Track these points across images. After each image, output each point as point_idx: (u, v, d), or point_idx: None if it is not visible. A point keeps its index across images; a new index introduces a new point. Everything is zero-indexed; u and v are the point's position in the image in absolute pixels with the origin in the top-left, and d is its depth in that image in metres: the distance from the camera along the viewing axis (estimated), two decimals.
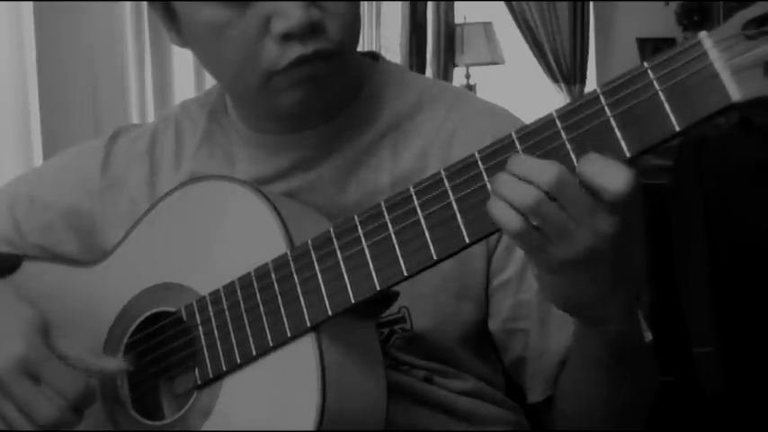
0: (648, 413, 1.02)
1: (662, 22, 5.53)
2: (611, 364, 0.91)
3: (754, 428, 1.64)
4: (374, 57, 1.14)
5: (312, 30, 0.95)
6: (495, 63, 5.43)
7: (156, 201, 1.08)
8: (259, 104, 1.05)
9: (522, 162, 0.77)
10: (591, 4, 5.62)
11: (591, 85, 5.64)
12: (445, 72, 5.34)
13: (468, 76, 5.43)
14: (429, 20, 5.25)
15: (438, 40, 5.31)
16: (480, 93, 5.32)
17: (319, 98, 1.00)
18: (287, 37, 0.95)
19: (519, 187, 0.77)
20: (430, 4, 5.25)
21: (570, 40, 5.54)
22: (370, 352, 0.95)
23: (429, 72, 5.21)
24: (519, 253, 1.04)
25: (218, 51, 1.00)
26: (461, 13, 5.51)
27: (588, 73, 5.62)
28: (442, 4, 5.35)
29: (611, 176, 0.74)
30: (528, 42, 5.53)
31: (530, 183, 0.76)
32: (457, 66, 5.45)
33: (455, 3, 5.48)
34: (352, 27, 1.01)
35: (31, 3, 2.39)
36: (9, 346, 0.95)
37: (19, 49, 2.38)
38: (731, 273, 1.67)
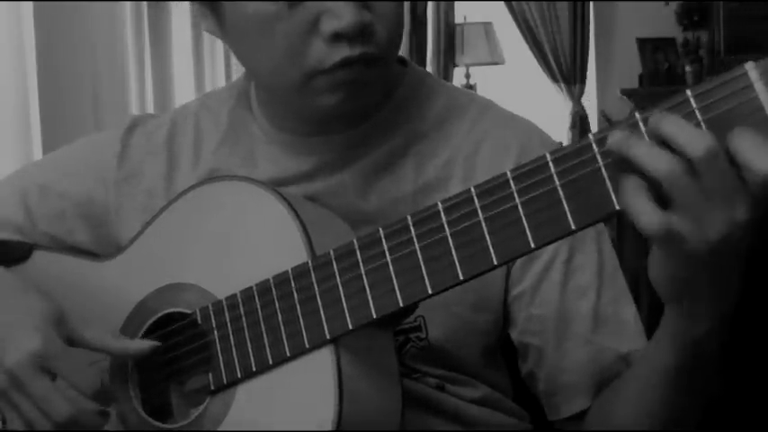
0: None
1: (662, 22, 5.52)
2: (679, 377, 0.88)
3: (754, 428, 1.64)
4: (402, 62, 1.11)
5: (361, 32, 0.94)
6: (495, 63, 5.43)
7: (173, 198, 1.06)
8: (293, 103, 1.03)
9: (678, 124, 0.71)
10: (591, 4, 5.61)
11: (591, 85, 5.64)
12: (445, 72, 5.34)
13: (468, 76, 5.43)
14: (429, 20, 5.25)
15: (438, 40, 5.31)
16: (480, 93, 5.31)
17: (356, 103, 0.99)
18: (336, 37, 0.93)
19: (652, 153, 0.72)
20: (430, 4, 5.25)
21: (570, 40, 5.53)
22: (387, 363, 0.94)
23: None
24: (535, 267, 1.03)
25: (263, 45, 0.98)
26: (461, 13, 5.51)
27: (588, 73, 5.61)
28: (442, 3, 5.35)
29: (762, 155, 0.69)
30: (528, 42, 5.52)
31: (675, 149, 0.71)
32: (457, 66, 5.45)
33: (455, 3, 5.48)
34: (398, 34, 0.99)
35: (31, 3, 2.40)
36: (24, 341, 0.93)
37: (19, 49, 2.38)
38: None
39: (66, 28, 2.59)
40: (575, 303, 1.02)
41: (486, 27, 5.39)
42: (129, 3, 2.85)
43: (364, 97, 0.99)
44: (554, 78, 5.55)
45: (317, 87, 0.97)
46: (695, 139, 0.71)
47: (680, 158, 0.71)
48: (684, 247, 0.74)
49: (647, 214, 0.72)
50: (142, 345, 0.99)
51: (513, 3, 5.47)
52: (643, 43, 5.52)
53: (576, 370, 1.01)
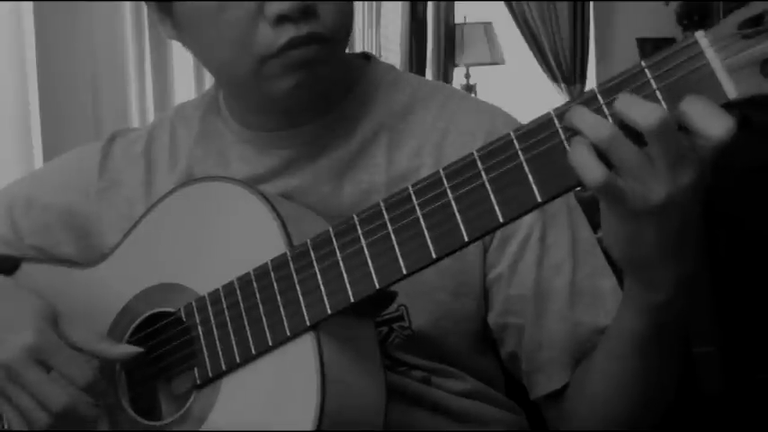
0: (661, 414, 1.01)
1: (662, 22, 5.53)
2: (646, 345, 0.91)
3: (754, 428, 1.64)
4: (366, 57, 1.14)
5: (305, 13, 0.96)
6: (495, 63, 5.43)
7: (154, 202, 1.09)
8: (252, 94, 1.05)
9: (630, 100, 0.75)
10: (591, 4, 5.62)
11: (590, 85, 5.63)
12: (445, 72, 5.34)
13: (468, 76, 5.43)
14: (429, 20, 5.25)
15: (438, 40, 5.31)
16: (480, 93, 5.32)
17: (311, 87, 1.00)
18: (281, 19, 0.96)
19: (594, 120, 0.76)
20: (430, 4, 5.25)
21: (570, 40, 5.54)
22: (369, 352, 0.96)
23: (429, 72, 5.22)
24: (511, 248, 1.04)
25: (213, 37, 1.00)
26: (461, 13, 5.51)
27: (588, 73, 5.62)
28: (442, 4, 5.35)
29: (715, 120, 0.72)
30: (528, 42, 5.53)
31: (628, 123, 0.75)
32: (457, 66, 5.45)
33: (455, 3, 5.48)
34: (345, 15, 1.01)
35: (31, 3, 2.40)
36: (19, 335, 0.95)
37: (19, 49, 2.38)
38: (731, 273, 1.67)
39: (67, 28, 2.59)
40: (551, 280, 1.04)
41: (486, 27, 5.39)
42: (128, 3, 2.85)
43: (319, 80, 1.01)
44: (554, 78, 5.55)
45: (271, 73, 0.99)
46: (648, 112, 0.74)
47: (621, 127, 0.75)
48: (628, 205, 0.77)
49: (589, 168, 0.76)
50: (127, 349, 1.01)
51: (513, 3, 5.47)
52: (643, 43, 5.52)
53: (554, 346, 1.03)
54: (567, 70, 5.55)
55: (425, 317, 1.05)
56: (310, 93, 1.02)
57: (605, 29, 5.69)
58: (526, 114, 1.13)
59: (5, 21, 2.33)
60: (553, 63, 5.54)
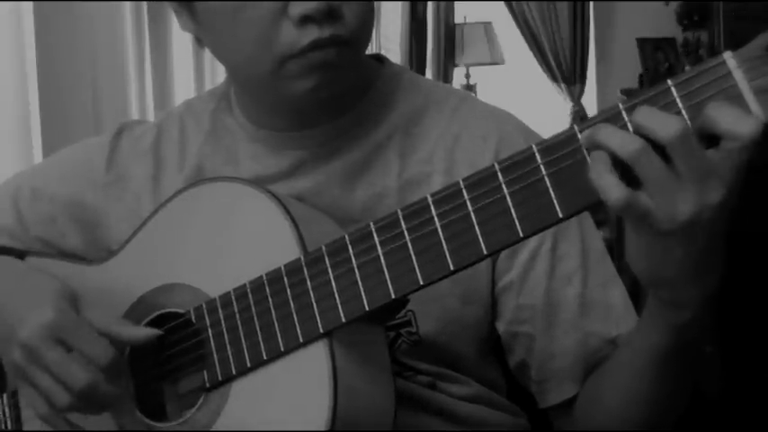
0: (675, 419, 1.01)
1: (662, 22, 5.52)
2: (667, 360, 0.90)
3: (754, 428, 1.64)
4: (379, 59, 1.14)
5: (329, 14, 0.96)
6: (496, 63, 5.43)
7: (163, 201, 1.07)
8: (269, 93, 1.04)
9: (649, 112, 0.74)
10: (591, 4, 5.61)
11: (590, 85, 5.63)
12: (445, 72, 5.34)
13: (468, 76, 5.43)
14: (429, 20, 5.24)
15: (438, 40, 5.31)
16: (480, 93, 5.32)
17: (329, 89, 1.00)
18: (304, 20, 0.95)
19: (621, 135, 0.74)
20: (430, 4, 5.25)
21: (570, 40, 5.53)
22: (380, 357, 0.95)
23: (429, 72, 5.22)
24: (521, 257, 1.04)
25: (234, 34, 0.99)
26: (461, 13, 5.51)
27: (588, 73, 5.61)
28: (442, 4, 5.35)
29: (742, 119, 0.71)
30: (528, 42, 5.52)
31: (647, 134, 0.73)
32: (457, 66, 5.45)
33: (455, 3, 5.48)
34: (368, 19, 1.01)
35: (31, 3, 2.40)
36: (39, 314, 0.95)
37: (19, 49, 2.38)
38: (731, 273, 1.67)
39: (67, 28, 2.59)
40: (562, 291, 1.03)
41: (486, 27, 5.39)
42: (128, 3, 2.85)
43: (338, 82, 1.00)
44: (554, 78, 5.55)
45: (290, 73, 0.98)
46: (667, 123, 0.73)
47: (638, 138, 0.74)
48: (654, 225, 0.76)
49: (611, 188, 0.74)
50: (145, 332, 1.00)
51: (513, 3, 5.47)
52: (643, 43, 5.51)
53: (566, 357, 1.03)
54: (566, 70, 5.54)
55: (433, 323, 1.04)
56: (327, 95, 1.01)
57: (605, 29, 5.68)
58: (526, 114, 1.13)
59: (5, 21, 2.33)
60: (553, 63, 5.53)
